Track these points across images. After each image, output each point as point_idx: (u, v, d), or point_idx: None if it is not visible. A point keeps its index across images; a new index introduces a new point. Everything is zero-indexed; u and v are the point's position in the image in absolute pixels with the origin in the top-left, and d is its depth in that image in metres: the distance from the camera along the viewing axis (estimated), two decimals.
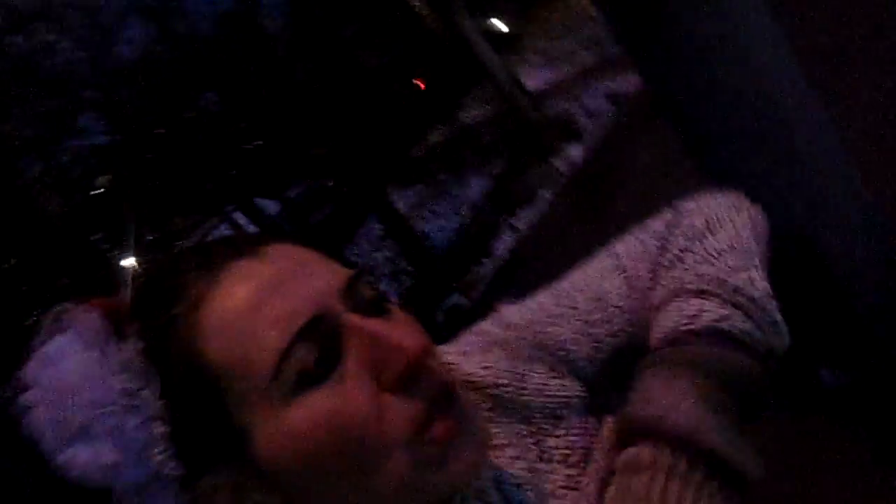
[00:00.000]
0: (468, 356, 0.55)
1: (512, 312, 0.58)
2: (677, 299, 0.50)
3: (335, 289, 0.43)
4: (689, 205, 0.58)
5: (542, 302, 0.58)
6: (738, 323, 0.48)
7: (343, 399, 0.40)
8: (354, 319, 0.42)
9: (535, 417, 0.52)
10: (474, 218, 5.26)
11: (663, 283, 0.53)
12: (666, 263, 0.54)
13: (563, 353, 0.55)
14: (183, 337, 0.41)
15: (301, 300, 0.41)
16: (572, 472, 0.49)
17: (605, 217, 4.09)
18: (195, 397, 0.41)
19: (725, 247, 0.53)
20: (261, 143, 7.34)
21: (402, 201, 7.13)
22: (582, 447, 0.50)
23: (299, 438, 0.40)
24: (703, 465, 0.41)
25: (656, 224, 0.58)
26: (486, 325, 0.58)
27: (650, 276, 0.55)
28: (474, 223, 5.25)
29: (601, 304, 0.56)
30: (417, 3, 9.91)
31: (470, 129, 6.94)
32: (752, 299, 0.49)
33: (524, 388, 0.53)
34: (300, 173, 8.18)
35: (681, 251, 0.54)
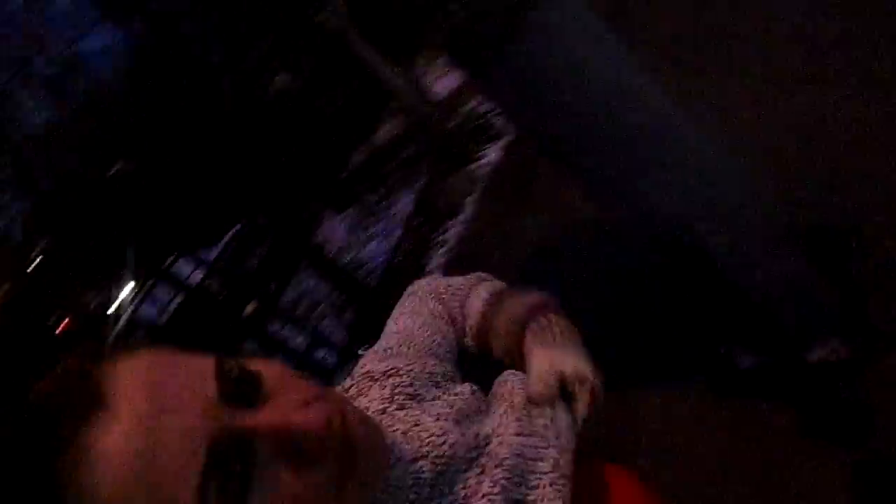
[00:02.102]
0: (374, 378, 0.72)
1: (381, 351, 0.81)
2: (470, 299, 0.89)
3: (209, 393, 0.45)
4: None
5: (391, 341, 0.81)
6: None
7: (273, 498, 0.44)
8: (248, 421, 0.45)
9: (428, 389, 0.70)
10: (405, 236, 5.22)
11: (455, 301, 0.89)
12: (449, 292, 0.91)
13: (429, 350, 0.79)
14: (77, 491, 0.41)
15: (188, 433, 0.43)
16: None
17: (526, 211, 4.12)
18: None
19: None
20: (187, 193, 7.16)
21: (338, 229, 7.05)
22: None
23: None
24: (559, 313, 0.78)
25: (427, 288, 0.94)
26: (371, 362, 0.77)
27: (447, 300, 0.89)
28: (406, 242, 5.21)
29: (430, 321, 0.85)
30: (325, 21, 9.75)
31: (389, 147, 6.89)
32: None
33: (421, 375, 0.71)
34: (233, 216, 8.00)
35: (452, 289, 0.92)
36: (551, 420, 0.64)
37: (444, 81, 7.53)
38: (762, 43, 3.18)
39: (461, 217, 4.92)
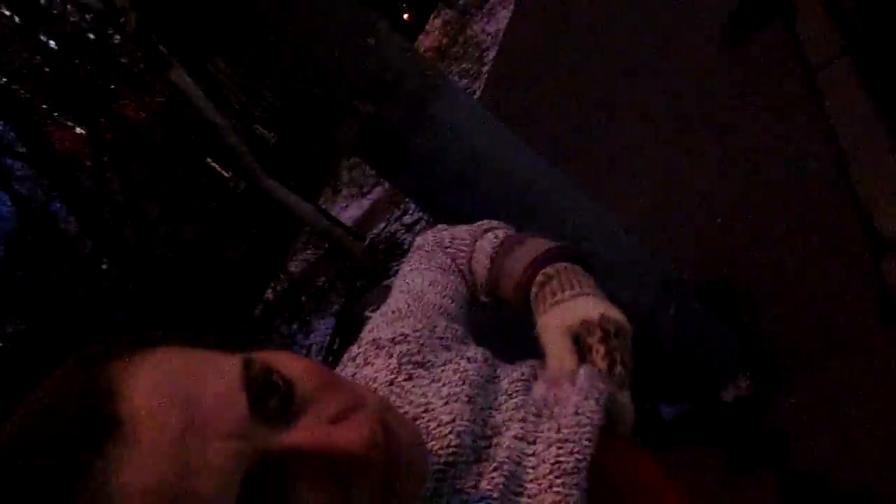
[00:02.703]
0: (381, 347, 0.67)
1: (389, 316, 0.74)
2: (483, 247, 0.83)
3: (241, 407, 0.40)
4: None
5: (399, 302, 0.76)
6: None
7: None
8: (286, 441, 0.41)
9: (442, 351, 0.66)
10: (324, 362, 5.16)
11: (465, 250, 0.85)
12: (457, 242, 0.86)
13: (440, 309, 0.74)
14: None
15: (221, 460, 0.37)
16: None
17: None
18: None
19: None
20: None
21: None
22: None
23: None
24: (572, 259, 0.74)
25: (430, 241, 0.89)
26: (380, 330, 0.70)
27: (454, 254, 0.85)
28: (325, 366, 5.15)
29: (440, 277, 0.80)
30: (220, 169, 9.97)
31: (302, 277, 6.94)
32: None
33: (431, 337, 0.67)
34: None
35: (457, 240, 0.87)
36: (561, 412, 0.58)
37: (348, 211, 7.81)
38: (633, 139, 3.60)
39: None
